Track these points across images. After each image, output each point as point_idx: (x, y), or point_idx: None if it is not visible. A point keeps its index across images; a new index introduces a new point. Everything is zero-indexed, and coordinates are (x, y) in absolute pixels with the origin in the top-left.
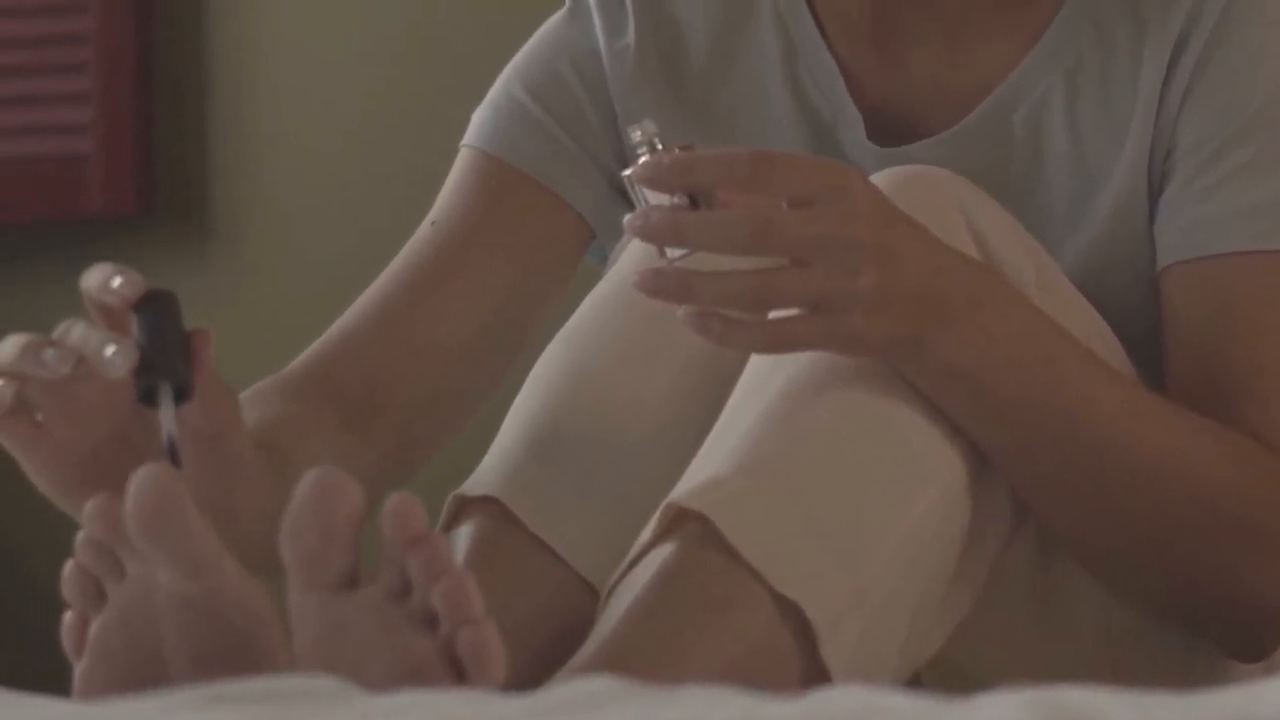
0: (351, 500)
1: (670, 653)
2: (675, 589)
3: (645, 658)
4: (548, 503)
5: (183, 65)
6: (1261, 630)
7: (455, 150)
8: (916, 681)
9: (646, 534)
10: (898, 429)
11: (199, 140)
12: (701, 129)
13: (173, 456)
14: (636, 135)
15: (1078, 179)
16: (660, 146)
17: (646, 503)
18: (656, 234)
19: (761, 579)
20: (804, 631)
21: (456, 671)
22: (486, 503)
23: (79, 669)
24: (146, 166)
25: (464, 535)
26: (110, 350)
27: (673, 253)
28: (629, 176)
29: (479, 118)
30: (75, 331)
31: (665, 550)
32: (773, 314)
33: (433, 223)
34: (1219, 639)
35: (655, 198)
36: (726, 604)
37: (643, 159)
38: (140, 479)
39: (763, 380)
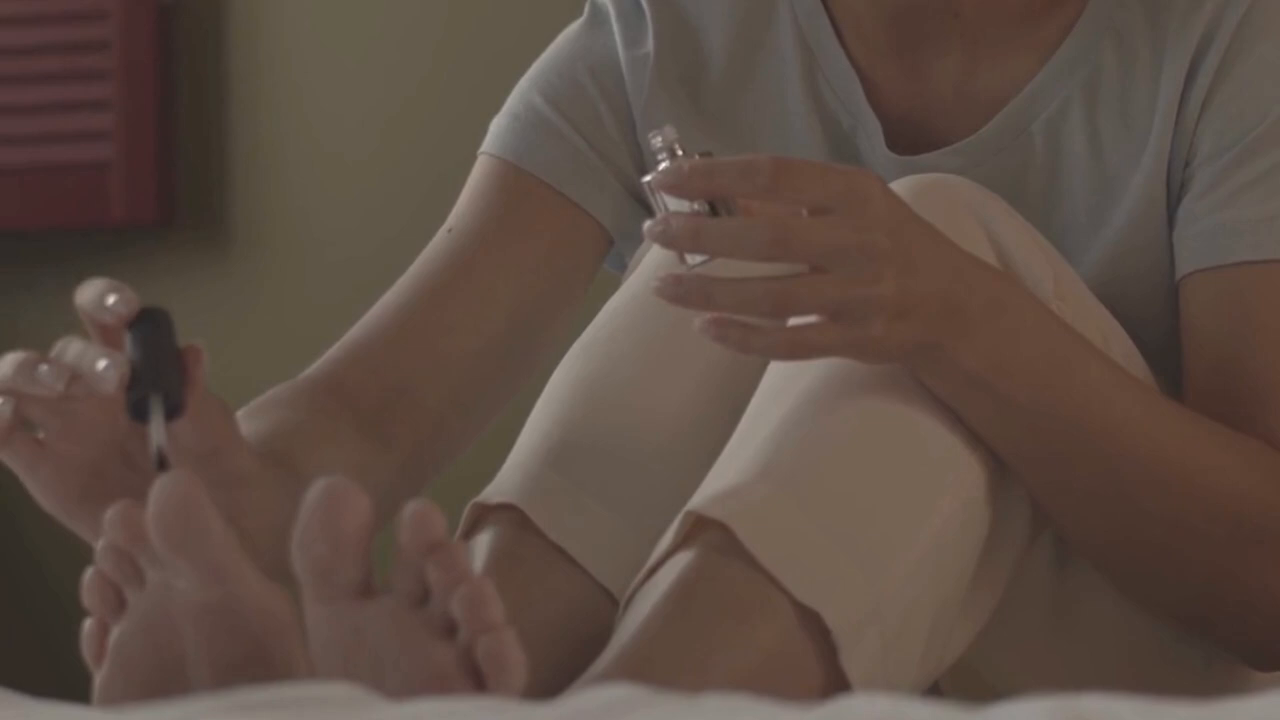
0: (360, 510)
1: (690, 661)
2: (695, 597)
3: (665, 666)
4: (567, 510)
5: (203, 74)
6: None
7: (474, 158)
8: (936, 690)
9: (666, 541)
10: (917, 436)
11: (219, 149)
12: (720, 137)
13: (162, 468)
14: (657, 142)
15: (1096, 188)
16: (680, 153)
17: (665, 510)
18: (676, 240)
19: (781, 587)
20: (824, 640)
21: (476, 679)
22: (505, 510)
23: (99, 677)
24: (167, 174)
25: (483, 543)
26: (102, 364)
27: (692, 259)
28: (649, 183)
29: (497, 125)
30: (71, 348)
31: (685, 558)
32: (792, 321)
33: (450, 230)
34: (1237, 648)
35: (675, 204)
36: (746, 612)
37: (663, 165)
38: (161, 486)
39: (782, 387)
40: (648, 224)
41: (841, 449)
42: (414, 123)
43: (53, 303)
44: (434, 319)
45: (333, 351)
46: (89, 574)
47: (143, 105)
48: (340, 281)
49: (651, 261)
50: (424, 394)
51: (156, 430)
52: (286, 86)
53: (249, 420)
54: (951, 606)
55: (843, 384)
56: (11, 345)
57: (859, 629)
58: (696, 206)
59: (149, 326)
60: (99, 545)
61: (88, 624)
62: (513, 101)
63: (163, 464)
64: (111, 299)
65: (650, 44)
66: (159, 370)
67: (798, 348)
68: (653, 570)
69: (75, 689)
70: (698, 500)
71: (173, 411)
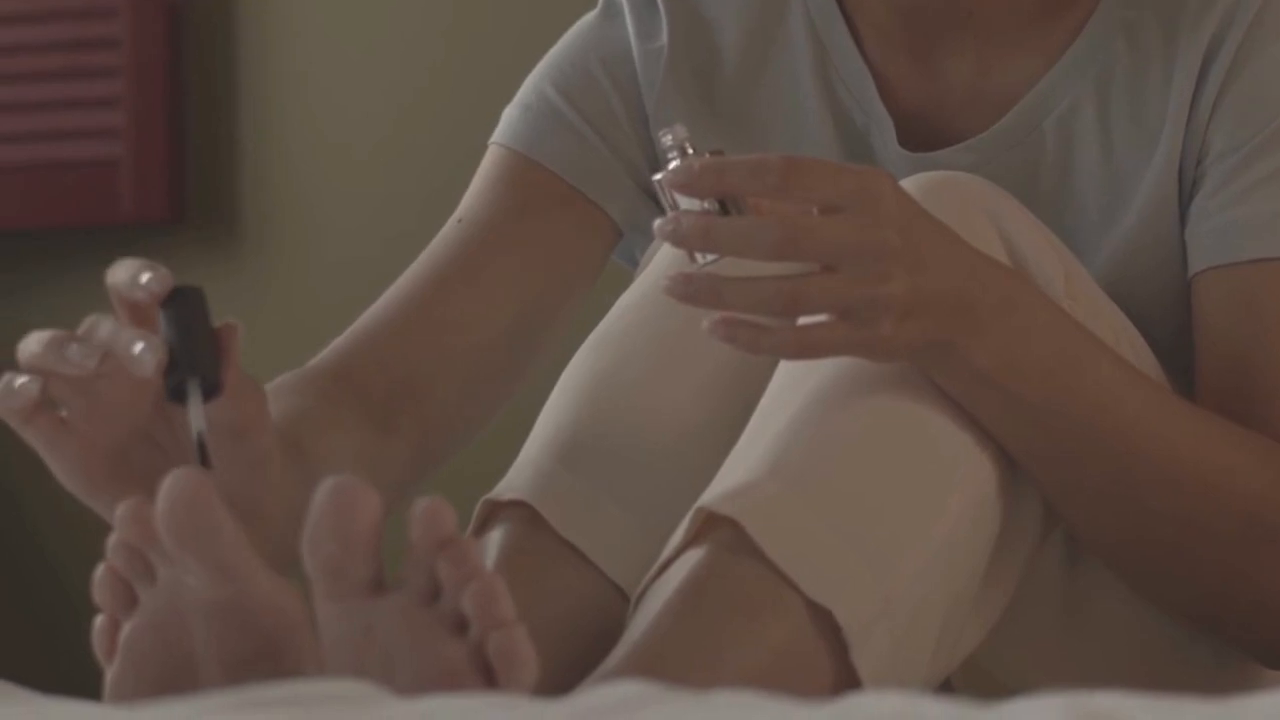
0: (370, 508)
1: (701, 658)
2: (706, 594)
3: (676, 662)
4: (578, 507)
5: (213, 71)
6: None
7: (483, 156)
8: (948, 687)
9: (677, 538)
10: (928, 434)
11: (229, 145)
12: (733, 132)
13: (203, 454)
14: (667, 140)
15: (1108, 185)
16: (691, 151)
17: (676, 508)
18: (686, 239)
19: (792, 585)
20: (835, 637)
21: (487, 675)
22: (517, 507)
23: (110, 673)
24: (177, 171)
25: (494, 540)
26: (139, 347)
27: (702, 258)
28: (660, 181)
29: (509, 115)
30: (103, 328)
31: (696, 555)
32: (801, 320)
33: (459, 220)
34: (1249, 646)
35: (686, 202)
36: (757, 609)
37: (673, 163)
38: (170, 483)
39: (792, 385)
40: (658, 222)
41: (851, 448)
42: (423, 119)
43: (63, 301)
44: (442, 309)
45: (341, 340)
46: (100, 570)
47: (152, 102)
48: (350, 278)
49: (663, 259)
50: (431, 384)
51: (196, 415)
52: (296, 83)
53: None
54: (963, 604)
55: (853, 382)
56: None
57: (870, 627)
58: (707, 205)
59: (183, 306)
60: (110, 542)
61: (99, 620)
62: (524, 92)
63: (203, 450)
64: (145, 276)
65: (664, 37)
66: (195, 352)
67: (807, 347)
68: (664, 567)
69: (86, 686)
70: (708, 497)
71: (210, 392)
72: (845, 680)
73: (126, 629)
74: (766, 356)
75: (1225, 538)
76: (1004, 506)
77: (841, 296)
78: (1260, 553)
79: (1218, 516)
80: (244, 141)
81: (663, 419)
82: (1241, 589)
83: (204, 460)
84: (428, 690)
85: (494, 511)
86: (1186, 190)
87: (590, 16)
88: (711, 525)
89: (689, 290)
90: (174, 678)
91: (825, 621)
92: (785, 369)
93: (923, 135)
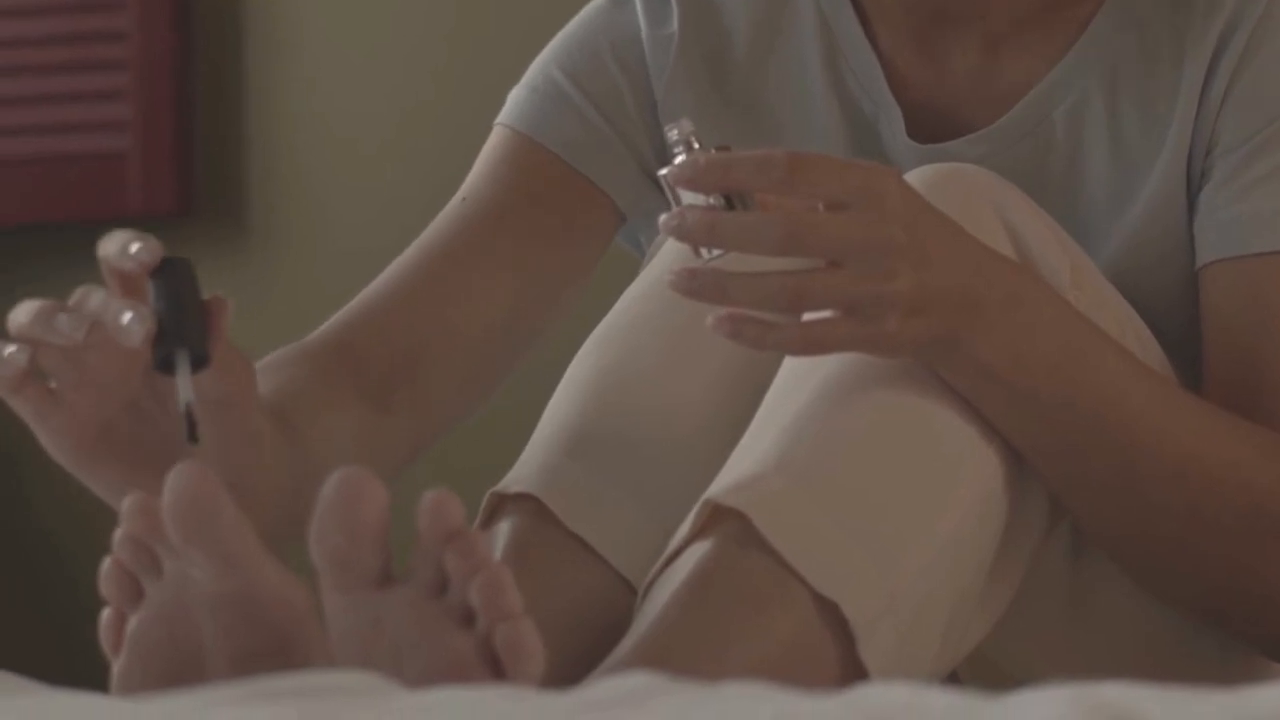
0: (377, 499)
1: (708, 650)
2: (713, 586)
3: (683, 654)
4: (585, 500)
5: (220, 63)
6: None
7: None
8: (954, 679)
9: (684, 531)
10: (934, 428)
11: (237, 138)
12: (742, 121)
13: (190, 425)
14: (673, 134)
15: (1117, 177)
16: (697, 146)
17: (683, 500)
18: (691, 234)
19: (799, 578)
20: (841, 630)
21: (494, 667)
22: (524, 500)
23: (116, 667)
24: (184, 164)
25: (501, 533)
26: (127, 317)
27: (708, 252)
28: (665, 176)
29: (515, 96)
30: (92, 298)
31: (703, 547)
32: (806, 316)
33: (463, 199)
34: (1254, 639)
35: (691, 197)
36: (764, 602)
37: (679, 158)
38: (176, 476)
39: (799, 379)
40: (663, 217)
41: (857, 442)
42: (431, 111)
43: (70, 295)
44: (443, 287)
45: (341, 314)
46: (106, 564)
47: (160, 95)
48: (357, 271)
49: (668, 253)
50: (429, 361)
51: (184, 387)
52: (304, 76)
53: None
54: (969, 598)
55: (859, 376)
56: None
57: (877, 620)
58: (712, 200)
59: (173, 276)
60: (116, 535)
61: (105, 614)
62: (532, 73)
63: (191, 422)
64: (135, 247)
65: (674, 24)
66: (184, 323)
67: (812, 343)
68: (670, 559)
69: (92, 679)
70: (715, 490)
71: (197, 364)
72: (852, 673)
73: (133, 622)
74: (772, 352)
75: (1231, 531)
76: (1009, 501)
77: (847, 293)
78: (1266, 546)
79: (1223, 510)
80: (251, 134)
81: (669, 412)
82: (1247, 582)
83: (191, 431)
84: (435, 682)
85: (501, 504)
86: (1195, 182)
87: (600, 2)
88: (718, 518)
89: (694, 285)
90: (181, 671)
91: (832, 615)
92: (791, 362)
93: (931, 126)
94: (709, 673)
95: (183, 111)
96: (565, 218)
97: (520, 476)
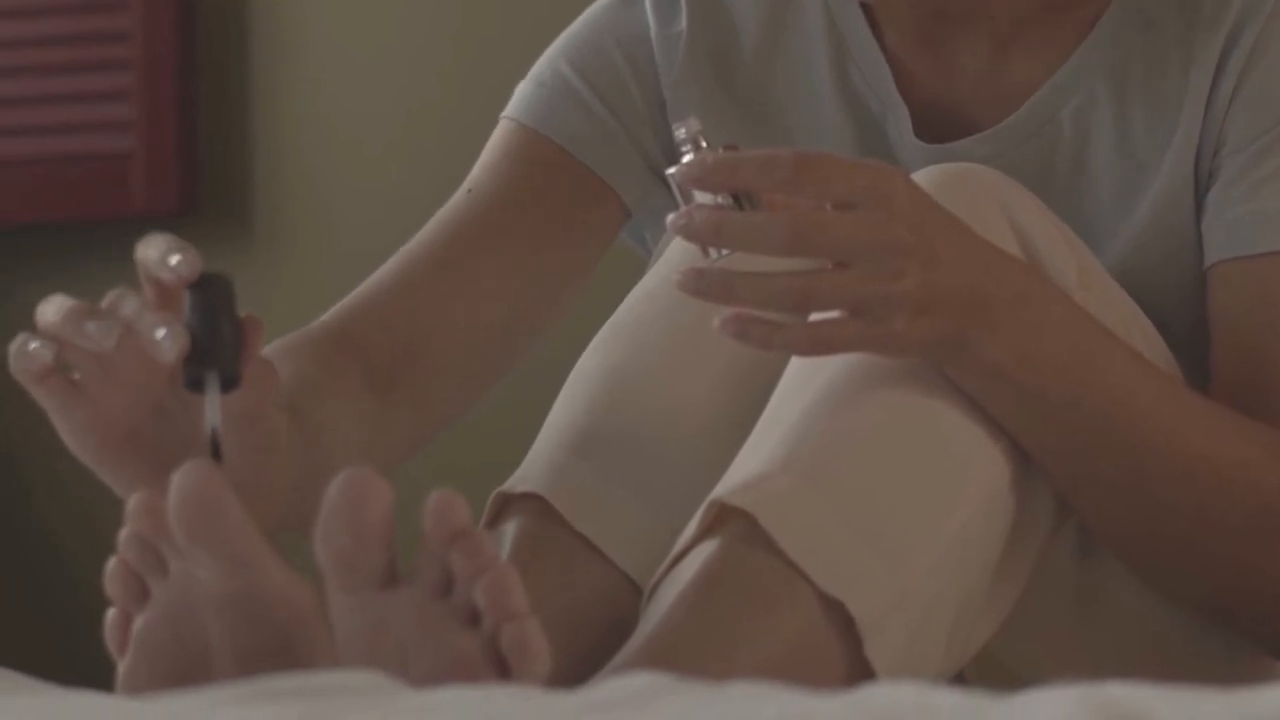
0: (383, 500)
1: (715, 650)
2: (719, 586)
3: (689, 654)
4: (591, 500)
5: (224, 62)
6: None
7: None
8: (961, 679)
9: (690, 530)
10: (941, 428)
11: (241, 137)
12: (750, 120)
13: (215, 448)
14: (681, 133)
15: (1124, 176)
16: (704, 145)
17: (689, 500)
18: (699, 234)
19: (806, 577)
20: (848, 630)
21: (500, 667)
22: (530, 500)
23: (122, 666)
24: (189, 164)
25: (507, 532)
26: (161, 333)
27: (715, 252)
28: (673, 175)
29: (522, 90)
30: (127, 305)
31: (709, 547)
32: (813, 316)
33: (468, 191)
34: (1261, 638)
35: (699, 196)
36: (771, 602)
37: (686, 158)
38: (181, 476)
39: (805, 379)
40: (670, 217)
41: (864, 442)
42: (436, 112)
43: (75, 295)
44: (446, 276)
45: (345, 303)
46: (112, 563)
47: (164, 96)
48: (362, 271)
49: (675, 251)
50: (432, 348)
51: (212, 410)
52: (308, 76)
53: None
54: (975, 598)
55: (866, 376)
56: None
57: (883, 620)
58: (720, 199)
59: (210, 293)
60: (122, 535)
61: (111, 614)
62: (539, 68)
63: (216, 445)
64: (175, 259)
65: (683, 22)
66: (217, 344)
67: (819, 344)
68: (677, 559)
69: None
70: (722, 489)
71: (227, 385)
72: (859, 673)
73: (139, 622)
74: (779, 352)
75: (1238, 531)
76: (1017, 500)
77: (854, 293)
78: (1273, 546)
79: (1230, 510)
80: (256, 134)
81: (676, 412)
82: (1254, 582)
83: (216, 453)
84: (441, 682)
85: (507, 504)
86: (1203, 182)
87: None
88: (725, 517)
89: (701, 285)
90: (186, 671)
91: (838, 614)
92: (798, 362)
93: (938, 125)
94: (715, 672)
95: (187, 112)
96: (569, 214)
97: (526, 476)
